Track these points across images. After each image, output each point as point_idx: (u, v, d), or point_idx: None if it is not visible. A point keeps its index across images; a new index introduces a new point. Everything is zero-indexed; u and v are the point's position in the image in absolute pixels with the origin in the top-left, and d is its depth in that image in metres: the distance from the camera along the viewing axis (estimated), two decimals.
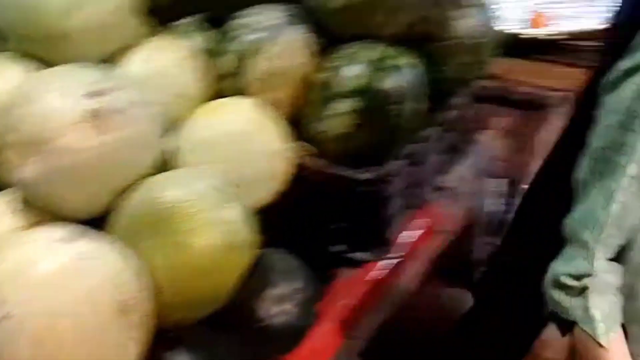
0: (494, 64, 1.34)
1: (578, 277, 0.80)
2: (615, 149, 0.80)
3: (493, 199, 1.59)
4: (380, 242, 1.07)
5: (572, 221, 0.84)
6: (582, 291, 0.80)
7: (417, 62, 1.06)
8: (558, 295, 0.82)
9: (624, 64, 0.81)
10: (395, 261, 1.10)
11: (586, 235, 0.81)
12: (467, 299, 1.65)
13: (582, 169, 0.84)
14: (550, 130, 1.53)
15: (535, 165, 1.56)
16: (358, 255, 1.05)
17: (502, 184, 1.58)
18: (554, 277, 0.83)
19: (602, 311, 0.80)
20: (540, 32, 1.42)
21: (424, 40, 1.10)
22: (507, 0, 1.49)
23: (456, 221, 1.33)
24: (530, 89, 1.43)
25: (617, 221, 0.80)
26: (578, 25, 1.41)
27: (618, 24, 0.96)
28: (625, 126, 0.79)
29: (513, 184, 1.60)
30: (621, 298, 0.83)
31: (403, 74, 1.01)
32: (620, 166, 0.79)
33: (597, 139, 0.83)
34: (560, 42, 1.40)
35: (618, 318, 0.83)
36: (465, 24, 1.14)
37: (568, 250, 0.83)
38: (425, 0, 1.08)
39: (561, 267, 0.82)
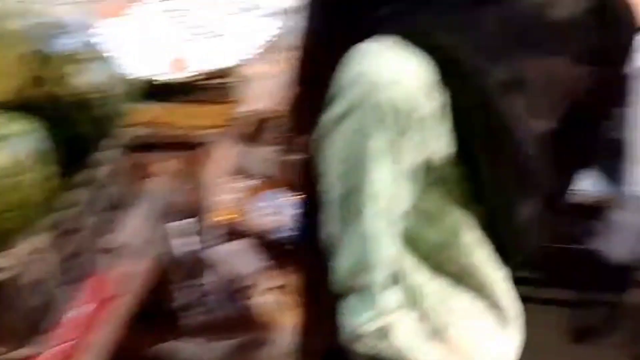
0: (142, 111, 1.25)
1: (373, 321, 0.78)
2: (354, 193, 0.77)
3: (183, 240, 1.50)
4: (39, 332, 0.89)
5: (341, 275, 0.80)
6: (383, 331, 0.78)
7: (35, 126, 0.91)
8: (364, 347, 0.80)
9: (333, 111, 0.77)
10: (65, 346, 0.92)
11: (362, 281, 0.79)
12: (180, 348, 1.54)
13: (330, 223, 0.81)
14: (216, 164, 1.49)
15: (208, 199, 1.53)
16: (15, 354, 0.85)
17: (188, 224, 1.50)
18: (352, 333, 0.80)
19: (407, 337, 0.80)
20: (181, 75, 1.36)
21: (43, 102, 0.95)
22: (143, 47, 1.41)
23: (141, 277, 1.20)
24: (185, 130, 1.36)
25: (381, 257, 0.78)
26: (214, 64, 1.38)
27: (310, 48, 0.92)
28: (353, 170, 0.77)
29: (198, 221, 1.53)
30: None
31: (15, 143, 0.85)
32: (364, 207, 0.77)
33: (333, 189, 0.79)
34: (202, 82, 1.37)
35: (423, 330, 0.84)
36: (87, 78, 1.01)
37: (352, 302, 0.80)
38: (32, 62, 0.94)
39: (354, 320, 0.79)
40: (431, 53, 0.74)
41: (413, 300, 0.85)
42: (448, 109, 0.76)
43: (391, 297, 0.80)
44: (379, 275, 0.78)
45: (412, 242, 0.84)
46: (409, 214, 0.81)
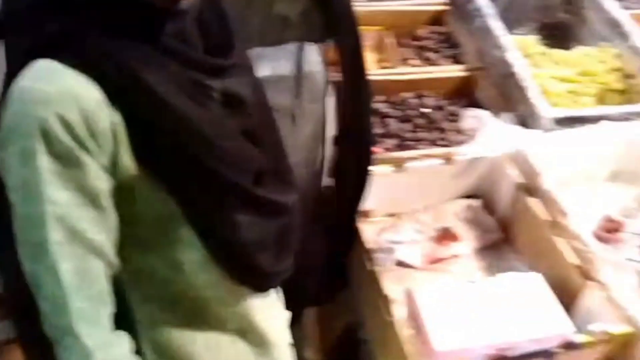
0: None
1: None
2: (33, 226, 0.68)
3: None
4: None
5: (46, 317, 0.71)
6: None
7: None
8: None
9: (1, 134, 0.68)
10: None
11: (63, 321, 0.70)
12: None
13: (23, 261, 0.70)
14: None
15: None
16: None
17: None
18: None
19: None
20: None
21: None
22: None
23: None
24: None
25: (80, 290, 0.70)
26: None
27: None
28: (28, 199, 0.68)
29: None
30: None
31: None
32: (45, 239, 0.68)
33: (16, 221, 0.70)
34: None
35: None
36: None
37: (63, 345, 0.71)
38: None
39: None
40: (105, 73, 0.68)
41: (148, 337, 0.81)
42: (123, 128, 0.70)
43: (101, 338, 0.72)
44: (81, 314, 0.70)
45: (144, 274, 0.79)
46: (125, 244, 0.75)
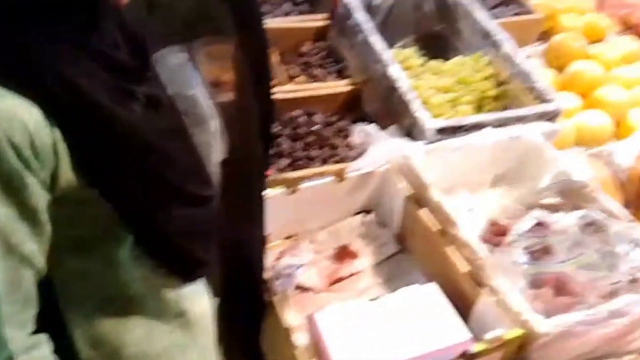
0: None
1: None
2: None
3: None
4: None
5: None
6: None
7: None
8: None
9: None
10: None
11: None
12: None
13: None
14: None
15: None
16: None
17: None
18: None
19: None
20: None
21: None
22: None
23: None
24: None
25: (9, 297, 0.70)
26: None
27: None
28: None
29: None
30: None
31: None
32: None
33: None
34: None
35: None
36: None
37: None
38: None
39: None
40: (44, 91, 0.67)
41: (84, 334, 0.82)
42: (63, 143, 0.70)
43: (26, 342, 0.72)
44: (8, 319, 0.71)
45: (77, 275, 0.80)
46: (59, 248, 0.75)
